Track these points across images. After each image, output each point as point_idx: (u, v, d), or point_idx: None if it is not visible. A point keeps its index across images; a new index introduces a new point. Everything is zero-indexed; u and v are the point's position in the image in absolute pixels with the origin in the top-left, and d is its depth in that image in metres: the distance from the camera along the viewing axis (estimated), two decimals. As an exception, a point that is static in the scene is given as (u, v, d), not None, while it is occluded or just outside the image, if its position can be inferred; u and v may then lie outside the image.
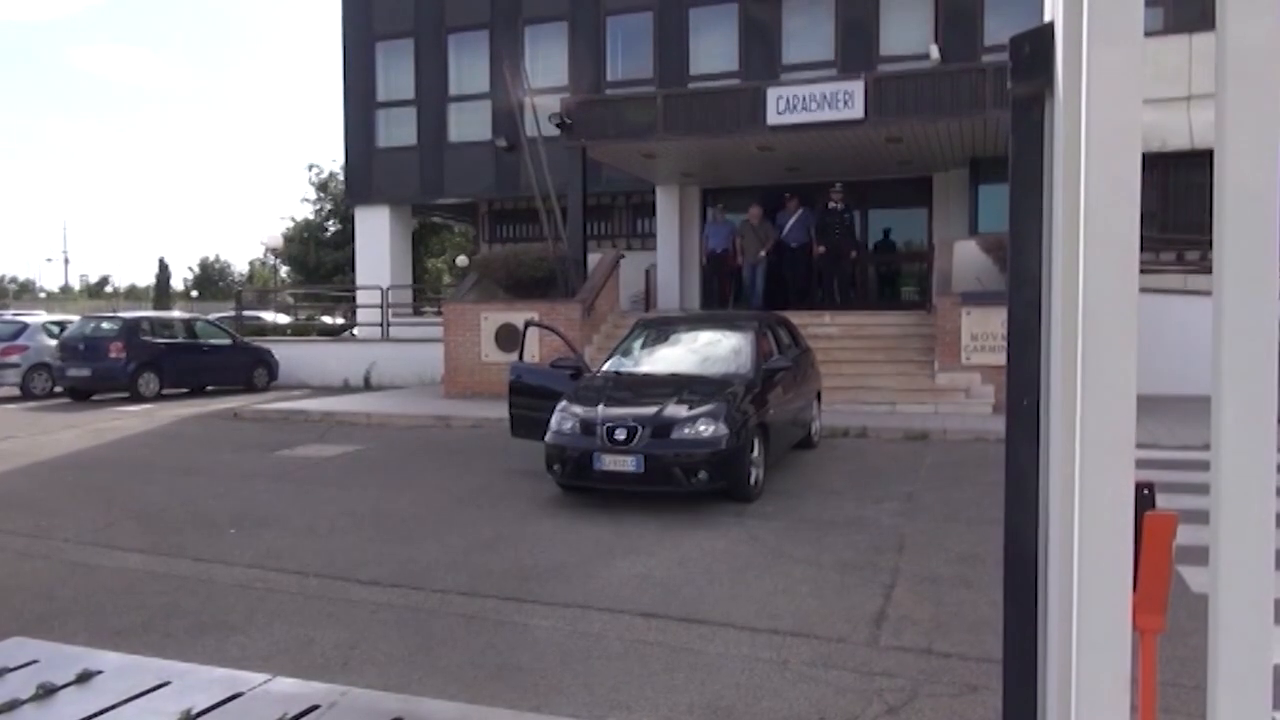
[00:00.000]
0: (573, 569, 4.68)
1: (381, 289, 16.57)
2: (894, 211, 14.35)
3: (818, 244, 12.66)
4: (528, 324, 7.67)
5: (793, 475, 7.00)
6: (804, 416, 7.81)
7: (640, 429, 5.77)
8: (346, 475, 7.45)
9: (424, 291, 23.94)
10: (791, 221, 12.76)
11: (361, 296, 18.39)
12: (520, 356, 7.59)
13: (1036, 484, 1.03)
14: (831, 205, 12.57)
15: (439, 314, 14.84)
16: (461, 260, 25.90)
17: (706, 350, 7.13)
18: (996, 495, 1.24)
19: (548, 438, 6.14)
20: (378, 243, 17.78)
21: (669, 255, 15.33)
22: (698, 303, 14.53)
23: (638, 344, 7.51)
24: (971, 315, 10.31)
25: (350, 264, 23.07)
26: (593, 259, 13.35)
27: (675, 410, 5.93)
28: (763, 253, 12.57)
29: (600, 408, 6.02)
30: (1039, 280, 1.02)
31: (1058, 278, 0.97)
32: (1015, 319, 1.06)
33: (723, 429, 5.81)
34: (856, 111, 11.18)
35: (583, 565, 4.74)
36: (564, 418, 6.11)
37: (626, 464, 5.71)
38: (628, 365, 7.15)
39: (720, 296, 13.03)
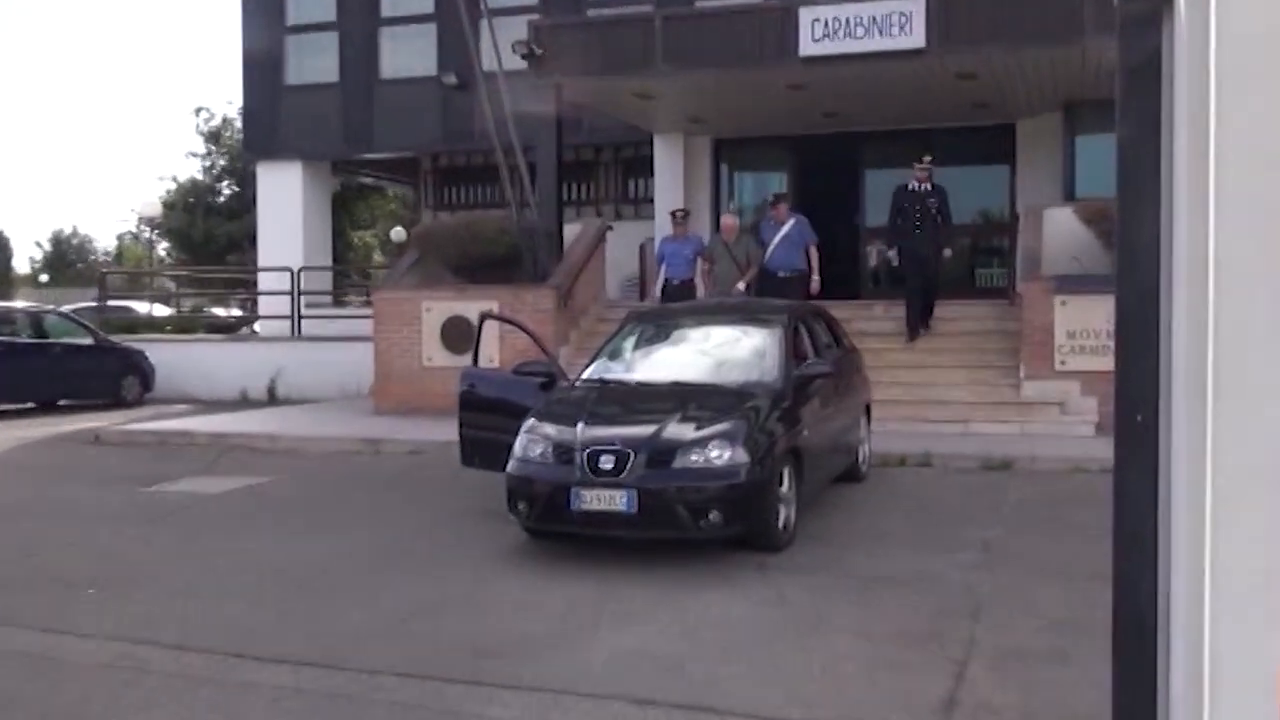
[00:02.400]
0: (543, 642, 4.73)
1: (291, 271, 16.55)
2: (966, 170, 14.40)
3: (888, 244, 12.05)
4: (484, 316, 7.72)
5: (834, 516, 7.04)
6: (849, 439, 7.82)
7: (633, 456, 5.76)
8: (244, 518, 7.50)
9: (348, 275, 23.90)
10: (779, 237, 11.28)
11: (265, 281, 18.35)
12: (475, 360, 7.60)
13: (1155, 527, 1.02)
14: (914, 186, 11.34)
15: (368, 304, 14.82)
16: (398, 233, 26.32)
17: (720, 351, 7.18)
18: (1103, 543, 1.22)
19: (510, 467, 6.15)
20: (287, 211, 17.80)
21: (671, 227, 15.43)
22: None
23: (629, 343, 7.55)
24: (1068, 306, 10.35)
25: (250, 239, 23.27)
26: (570, 231, 13.37)
27: (679, 430, 5.92)
28: (742, 284, 11.06)
29: (580, 428, 6.02)
30: (1156, 260, 1.01)
31: (1182, 256, 0.96)
32: (1125, 311, 1.05)
33: (741, 455, 5.80)
34: (916, 39, 11.18)
35: (557, 637, 4.79)
36: (532, 441, 6.11)
37: (615, 501, 5.70)
38: (616, 371, 7.19)
39: None
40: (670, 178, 15.59)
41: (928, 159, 11.56)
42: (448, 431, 8.59)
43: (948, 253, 11.83)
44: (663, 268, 11.68)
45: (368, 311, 13.96)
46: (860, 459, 8.18)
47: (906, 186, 11.58)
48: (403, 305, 12.64)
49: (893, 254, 11.80)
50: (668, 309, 8.73)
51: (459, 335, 12.03)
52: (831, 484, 7.60)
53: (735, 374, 6.81)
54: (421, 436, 10.28)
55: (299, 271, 16.63)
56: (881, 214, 13.03)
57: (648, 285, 14.20)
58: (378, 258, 32.02)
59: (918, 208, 11.41)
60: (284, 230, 17.74)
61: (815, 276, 11.23)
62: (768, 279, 11.23)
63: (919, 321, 11.60)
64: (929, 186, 11.43)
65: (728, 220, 11.95)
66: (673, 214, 12.16)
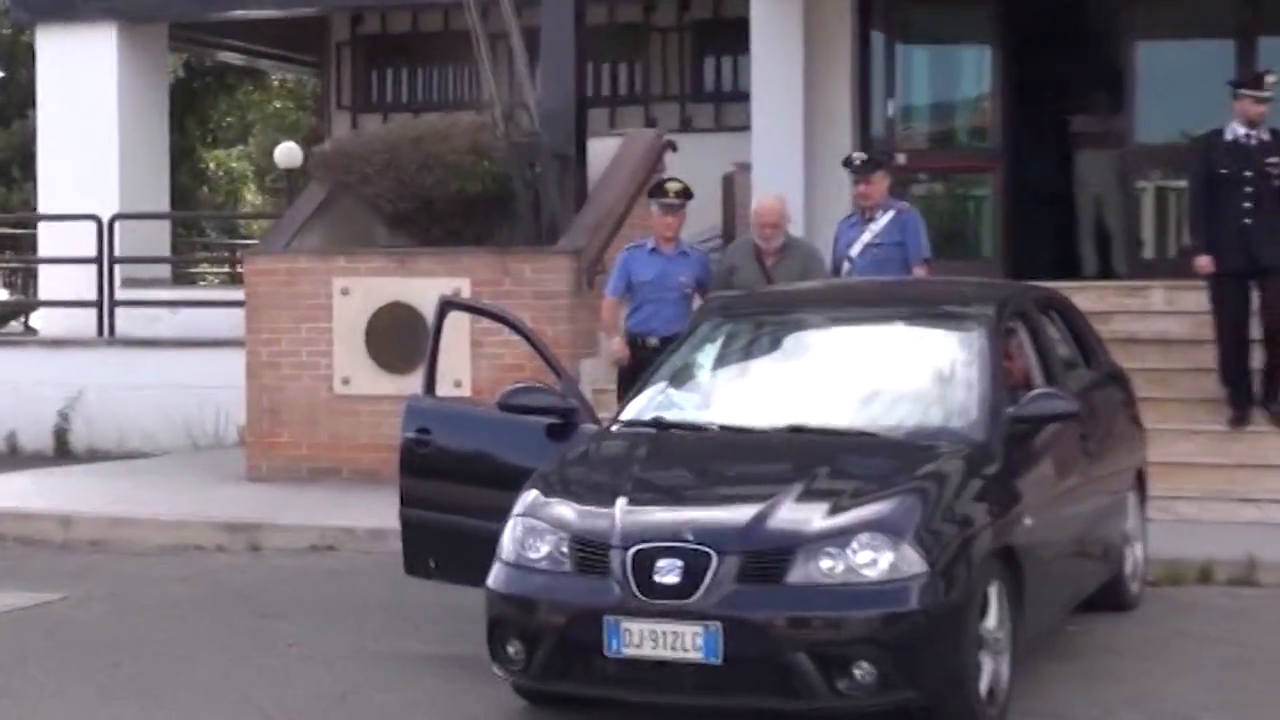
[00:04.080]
0: None
1: (99, 223, 14.34)
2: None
3: (1194, 239, 9.61)
4: (446, 305, 6.94)
5: (1080, 678, 6.17)
6: (1106, 532, 6.92)
7: (715, 560, 5.05)
8: (8, 670, 6.57)
9: (199, 229, 22.51)
10: (863, 242, 9.18)
11: (50, 239, 16.09)
12: (428, 384, 6.73)
13: None
14: (1240, 135, 8.96)
15: (235, 280, 13.44)
16: (286, 153, 23.58)
17: (873, 374, 6.38)
18: None
19: (495, 579, 5.46)
20: (90, 113, 15.43)
21: (782, 143, 13.22)
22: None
23: (706, 357, 6.75)
24: None
25: (23, 164, 20.32)
26: (601, 151, 11.90)
27: (800, 515, 5.24)
28: None
29: (621, 508, 5.33)
30: None
31: None
32: None
33: (912, 561, 5.05)
34: None
35: None
36: (535, 532, 5.46)
37: (684, 643, 4.98)
38: (683, 407, 6.39)
39: None
40: (779, 55, 13.04)
41: (1273, 77, 9.10)
42: (381, 512, 7.94)
43: None
44: (629, 311, 9.15)
45: (235, 294, 12.31)
46: (1128, 569, 7.26)
47: (1223, 134, 9.13)
48: (298, 283, 11.00)
49: (1204, 261, 9.17)
50: (777, 296, 7.77)
51: (399, 338, 10.60)
52: (1075, 613, 6.70)
53: (901, 414, 6.08)
54: (331, 520, 9.28)
55: (111, 223, 14.32)
56: (1162, 121, 11.52)
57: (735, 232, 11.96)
58: (251, 198, 28.83)
59: (1249, 173, 8.94)
60: (84, 149, 15.24)
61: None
62: None
63: (1257, 389, 9.26)
64: (1270, 136, 8.91)
65: (767, 207, 9.09)
66: (658, 187, 9.37)
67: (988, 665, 5.20)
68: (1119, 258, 12.43)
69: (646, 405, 6.37)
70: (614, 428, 6.26)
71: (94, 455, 13.00)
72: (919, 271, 9.01)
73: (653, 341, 8.67)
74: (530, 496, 5.50)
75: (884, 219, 9.08)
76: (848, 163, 9.60)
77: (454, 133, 11.48)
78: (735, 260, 9.11)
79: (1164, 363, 9.75)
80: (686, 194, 9.14)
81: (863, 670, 4.81)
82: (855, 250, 8.95)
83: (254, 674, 6.34)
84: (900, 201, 9.51)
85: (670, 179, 9.54)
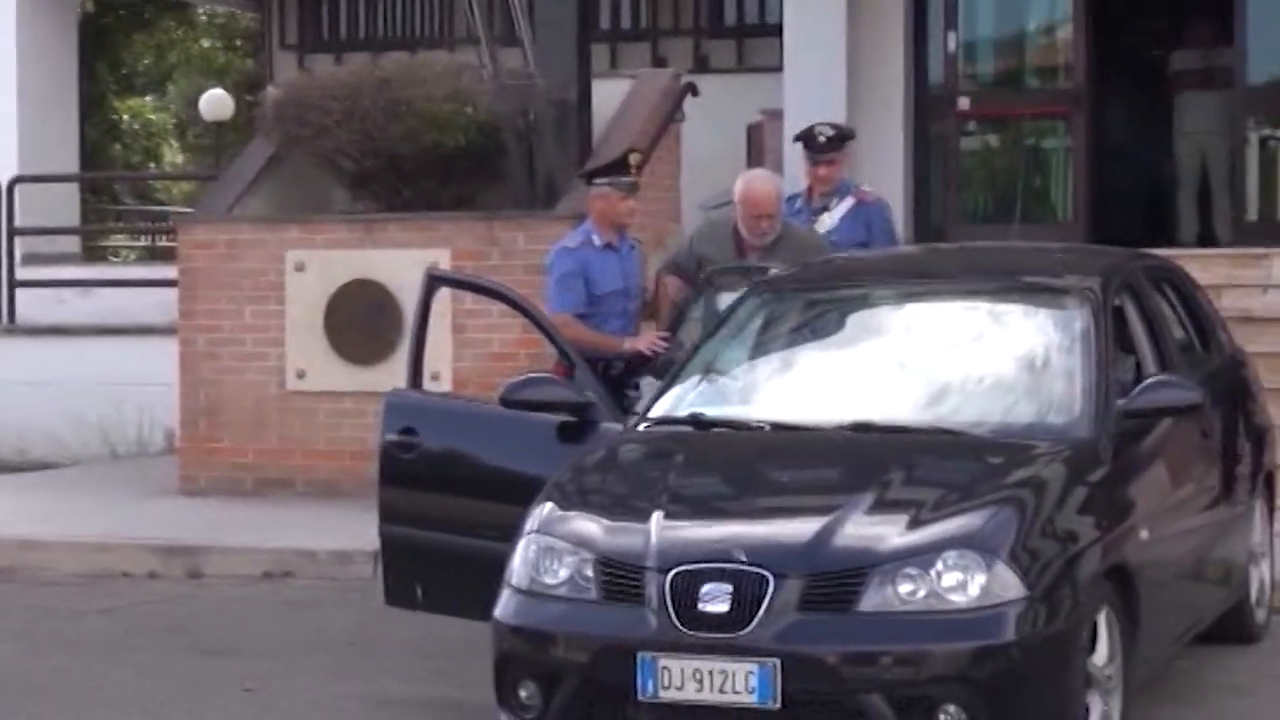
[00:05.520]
0: None
1: None
2: None
3: None
4: (432, 281, 6.91)
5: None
6: (1227, 548, 6.88)
7: (772, 584, 5.01)
8: None
9: (114, 195, 22.73)
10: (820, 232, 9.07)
11: None
12: (413, 375, 6.75)
13: None
14: None
15: (161, 254, 13.55)
16: (214, 103, 23.65)
17: (954, 360, 6.31)
18: None
19: (503, 609, 5.41)
20: None
21: (820, 86, 13.10)
22: (901, 217, 12.28)
23: (749, 341, 6.72)
24: None
25: None
26: (608, 96, 11.82)
27: (870, 530, 5.22)
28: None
29: (656, 524, 5.29)
30: None
31: None
32: None
33: (1009, 584, 4.99)
34: None
35: None
36: (550, 553, 5.41)
37: (734, 683, 4.96)
38: (726, 401, 6.44)
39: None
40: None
41: None
42: (346, 530, 7.99)
43: None
44: (551, 288, 8.48)
45: (161, 271, 12.46)
46: (1253, 593, 7.27)
47: None
48: (242, 257, 11.01)
49: None
50: (836, 268, 7.60)
51: (364, 323, 10.60)
52: (1192, 644, 6.61)
53: (988, 408, 6.02)
54: (286, 542, 9.33)
55: (10, 188, 14.44)
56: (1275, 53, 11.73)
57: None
58: (171, 156, 28.52)
59: None
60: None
61: None
62: None
63: None
64: None
65: (761, 192, 8.50)
66: (620, 165, 8.81)
67: (1097, 707, 5.14)
68: (1222, 221, 12.44)
69: (680, 399, 6.27)
70: (641, 427, 6.15)
71: (-8, 466, 13.14)
72: None
73: (616, 366, 8.10)
74: (545, 510, 5.44)
75: (840, 209, 8.84)
76: (809, 137, 9.08)
77: (429, 75, 11.38)
78: (706, 250, 8.32)
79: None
80: (641, 162, 8.79)
81: (949, 715, 4.75)
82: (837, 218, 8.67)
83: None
84: (862, 187, 9.09)
85: (633, 152, 9.07)
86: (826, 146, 8.85)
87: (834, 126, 9.31)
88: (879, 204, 8.96)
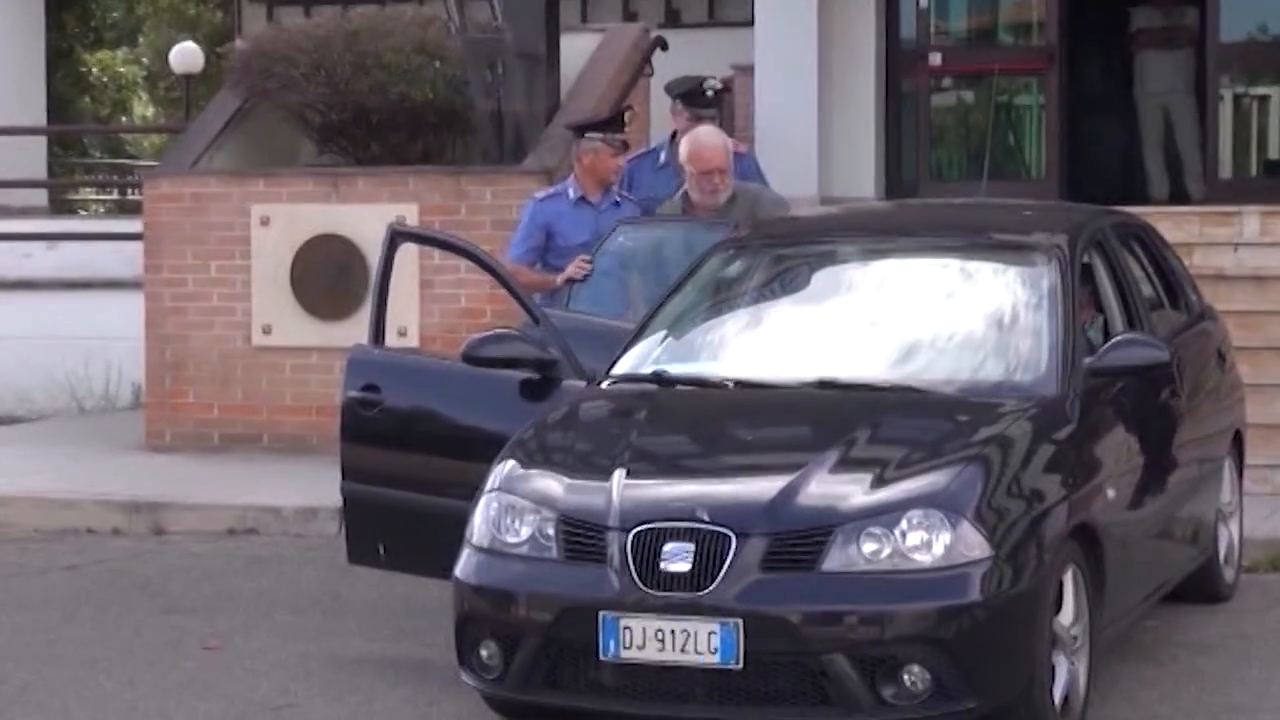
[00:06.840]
0: None
1: None
2: None
3: None
4: (395, 236, 6.93)
5: (1166, 680, 6.18)
6: (1195, 507, 6.95)
7: (734, 543, 5.05)
8: None
9: (80, 147, 22.85)
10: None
11: None
12: (375, 332, 6.77)
13: None
14: None
15: (127, 208, 13.57)
16: (184, 55, 23.68)
17: (920, 317, 6.37)
18: None
19: (464, 568, 5.45)
20: None
21: (791, 40, 13.13)
22: (872, 173, 12.85)
23: (713, 296, 6.79)
24: None
25: None
26: (576, 50, 11.88)
27: (835, 488, 5.24)
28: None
29: (618, 481, 5.33)
30: None
31: None
32: None
33: (974, 543, 5.03)
34: None
35: None
36: (511, 511, 5.45)
37: (696, 643, 5.00)
38: (691, 358, 6.47)
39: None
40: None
41: None
42: (312, 487, 8.10)
43: None
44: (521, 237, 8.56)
45: (128, 225, 12.42)
46: (1221, 552, 7.30)
47: None
48: (208, 211, 11.04)
49: None
50: (802, 224, 7.71)
51: (331, 278, 10.67)
52: (1162, 604, 6.69)
53: (955, 366, 6.04)
54: (251, 498, 9.37)
55: None
56: (1244, 15, 12.01)
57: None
58: (142, 109, 28.78)
59: None
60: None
61: None
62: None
63: None
64: None
65: (708, 146, 8.23)
66: (616, 122, 8.80)
67: (1062, 668, 5.17)
68: (1193, 179, 12.47)
69: (644, 356, 6.26)
70: (605, 384, 6.15)
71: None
72: None
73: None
74: (506, 468, 5.44)
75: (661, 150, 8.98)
76: (690, 93, 8.95)
77: (396, 27, 11.38)
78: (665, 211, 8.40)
79: (1259, 303, 9.75)
80: (626, 114, 8.91)
81: (913, 675, 4.78)
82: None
83: (166, 683, 6.25)
84: (736, 143, 8.75)
85: (628, 107, 9.16)
86: (713, 101, 9.01)
87: (721, 81, 9.59)
88: (750, 156, 9.16)
